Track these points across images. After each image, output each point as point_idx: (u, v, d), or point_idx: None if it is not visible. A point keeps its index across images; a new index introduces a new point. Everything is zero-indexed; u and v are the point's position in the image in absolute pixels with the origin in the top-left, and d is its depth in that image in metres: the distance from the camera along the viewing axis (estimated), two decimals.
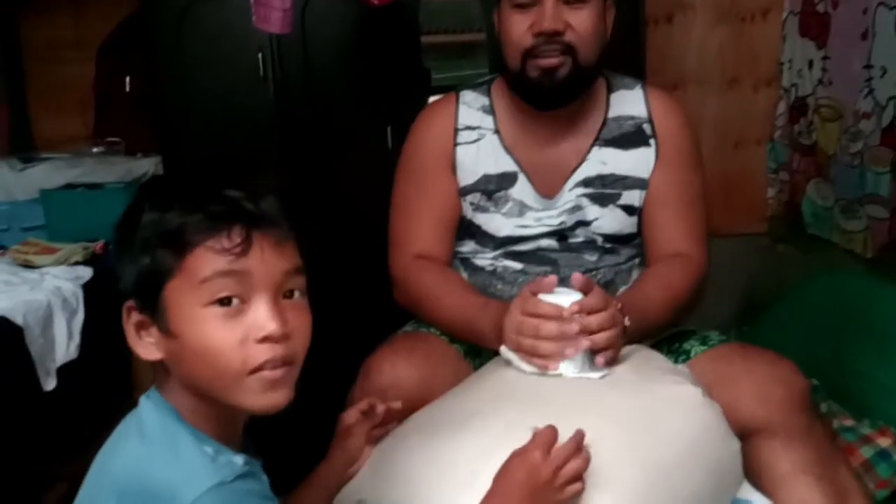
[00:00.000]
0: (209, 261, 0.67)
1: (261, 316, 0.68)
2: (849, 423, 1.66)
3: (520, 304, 1.05)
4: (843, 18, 1.92)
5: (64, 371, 1.67)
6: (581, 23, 1.15)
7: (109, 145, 2.25)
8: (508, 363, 1.07)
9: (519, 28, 1.17)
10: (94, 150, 2.24)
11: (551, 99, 1.21)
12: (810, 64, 2.07)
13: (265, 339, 0.68)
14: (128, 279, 0.70)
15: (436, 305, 1.21)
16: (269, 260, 0.68)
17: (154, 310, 0.70)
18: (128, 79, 2.28)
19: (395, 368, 1.11)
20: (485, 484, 0.85)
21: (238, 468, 0.69)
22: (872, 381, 1.72)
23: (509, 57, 1.20)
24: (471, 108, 1.29)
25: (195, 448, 0.69)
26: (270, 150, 2.05)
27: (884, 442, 1.57)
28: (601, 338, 1.02)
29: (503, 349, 1.07)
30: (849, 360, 1.79)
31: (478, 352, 1.22)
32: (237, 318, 0.68)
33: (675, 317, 1.23)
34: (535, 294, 1.05)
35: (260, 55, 2.00)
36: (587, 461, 0.84)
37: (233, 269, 0.67)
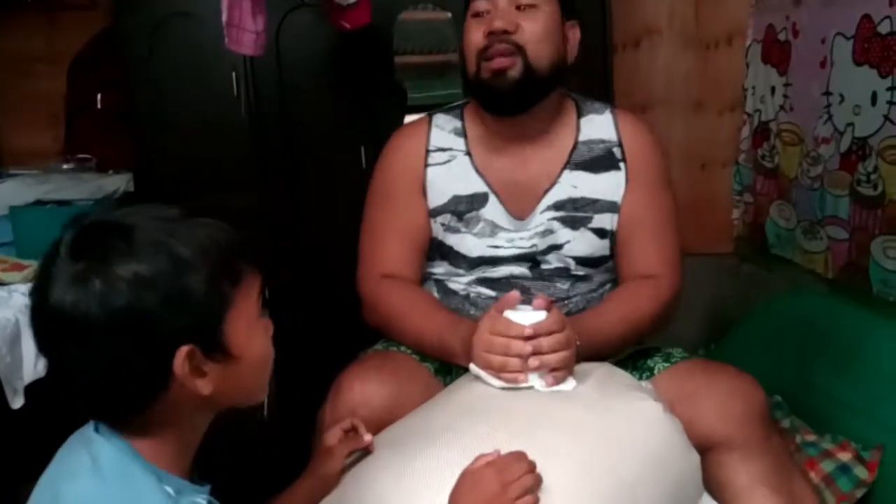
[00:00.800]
0: (256, 278, 0.74)
1: (266, 320, 0.76)
2: (811, 438, 1.69)
3: (488, 323, 1.07)
4: (803, 47, 1.99)
5: (31, 389, 1.65)
6: (531, 26, 1.21)
7: (80, 161, 2.23)
8: (478, 379, 1.08)
9: (475, 33, 1.22)
10: (65, 166, 2.22)
11: (504, 102, 1.23)
12: (773, 90, 2.13)
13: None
14: (174, 328, 0.67)
15: (405, 323, 1.23)
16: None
17: (212, 344, 0.70)
18: (99, 95, 2.27)
19: (364, 386, 1.12)
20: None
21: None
22: (833, 398, 1.77)
23: (467, 62, 1.25)
24: (443, 130, 1.31)
25: (155, 490, 0.68)
26: (244, 168, 2.06)
27: (844, 456, 1.61)
28: (551, 359, 1.05)
29: (472, 367, 1.09)
30: (811, 377, 1.84)
31: (448, 369, 1.23)
32: (266, 325, 0.76)
33: (634, 338, 1.26)
34: (500, 311, 1.07)
35: (234, 73, 2.01)
36: (537, 477, 0.86)
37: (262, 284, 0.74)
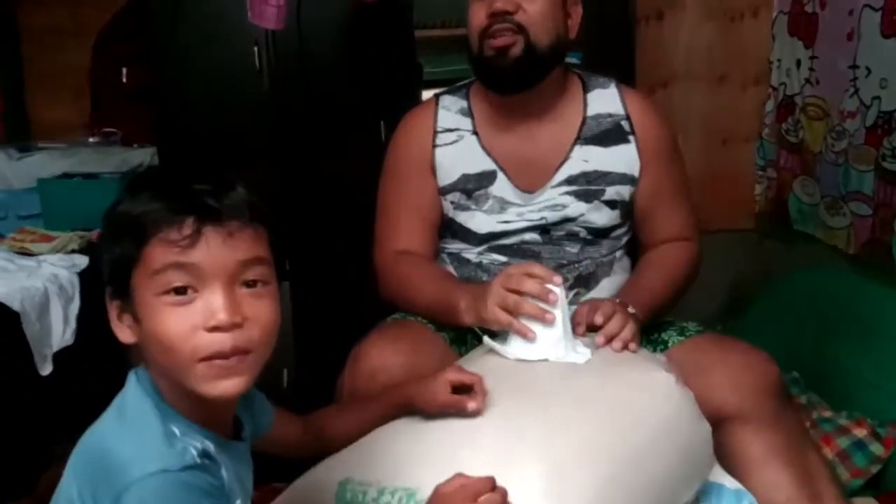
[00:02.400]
0: (162, 252, 0.70)
1: (211, 305, 0.70)
2: (827, 414, 1.70)
3: (502, 280, 1.09)
4: (830, 19, 1.95)
5: (60, 357, 1.70)
6: (532, 5, 1.22)
7: (106, 136, 2.28)
8: (492, 351, 1.10)
9: (478, 13, 1.24)
10: (91, 139, 2.27)
11: (507, 79, 1.25)
12: (798, 63, 2.10)
13: (214, 329, 0.70)
14: (105, 267, 0.74)
15: (413, 292, 1.26)
16: (218, 252, 0.70)
17: (125, 297, 0.73)
18: (124, 69, 2.30)
19: (382, 354, 1.14)
20: (465, 461, 0.88)
21: (190, 458, 0.70)
22: (851, 374, 1.76)
23: (470, 42, 1.27)
24: (449, 111, 1.34)
25: (159, 429, 0.71)
26: (265, 142, 2.08)
27: (860, 433, 1.62)
28: (627, 333, 1.11)
29: (486, 339, 1.11)
30: (829, 353, 1.83)
31: (463, 339, 1.25)
32: (189, 307, 0.70)
33: (678, 297, 1.31)
34: (531, 275, 1.08)
35: (255, 48, 2.02)
36: (504, 495, 0.87)
37: (181, 262, 0.69)
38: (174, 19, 2.03)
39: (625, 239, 1.36)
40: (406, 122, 1.38)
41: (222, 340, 0.69)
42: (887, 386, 1.67)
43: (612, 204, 1.30)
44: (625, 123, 1.32)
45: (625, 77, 1.44)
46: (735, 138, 2.36)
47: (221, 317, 0.69)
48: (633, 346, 1.11)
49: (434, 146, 1.32)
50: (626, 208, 1.32)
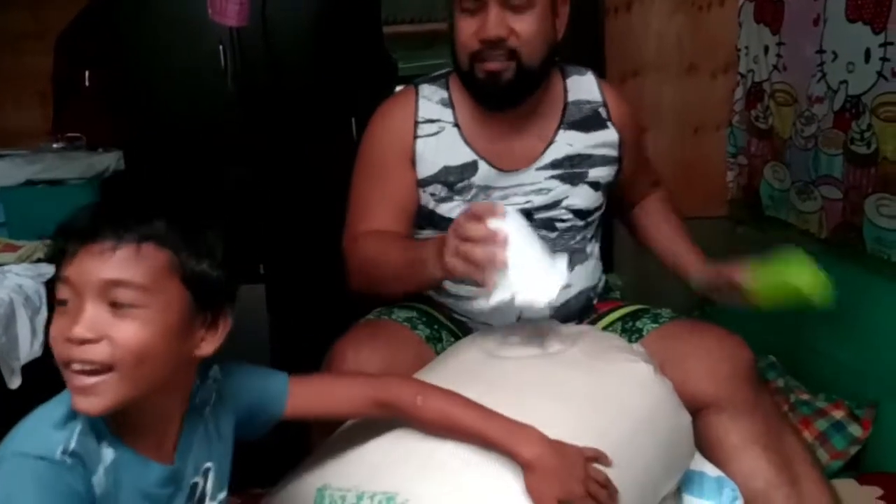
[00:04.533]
0: (66, 266, 0.74)
1: (73, 318, 0.73)
2: (805, 397, 1.71)
3: (453, 229, 1.00)
4: (795, 4, 1.96)
5: (29, 369, 1.66)
6: (525, 28, 1.18)
7: (70, 141, 2.22)
8: (468, 348, 1.09)
9: (466, 31, 1.20)
10: (55, 145, 2.21)
11: (498, 100, 1.24)
12: (766, 50, 2.11)
13: (68, 340, 0.72)
14: None
15: (382, 264, 1.20)
16: (87, 269, 0.73)
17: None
18: (87, 72, 2.25)
19: (358, 354, 1.13)
20: (444, 461, 0.87)
21: (49, 450, 0.71)
22: (827, 357, 1.78)
23: (458, 57, 1.24)
24: (430, 101, 1.30)
25: (58, 415, 0.74)
26: (233, 142, 2.05)
27: (838, 414, 1.63)
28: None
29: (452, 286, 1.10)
30: (806, 337, 1.85)
31: (439, 337, 1.24)
32: (63, 317, 0.74)
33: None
34: (476, 218, 0.99)
35: (220, 47, 1.99)
36: (614, 490, 0.89)
37: (61, 275, 0.74)
38: (136, 20, 2.00)
39: (598, 222, 1.37)
40: (384, 111, 1.33)
41: (73, 352, 0.72)
42: (863, 368, 1.69)
43: (595, 185, 1.32)
44: (602, 110, 1.33)
45: (595, 68, 1.43)
46: (706, 126, 2.37)
47: (74, 330, 0.72)
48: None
49: (415, 137, 1.28)
50: (608, 188, 1.35)
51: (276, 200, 2.07)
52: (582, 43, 2.10)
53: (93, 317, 0.72)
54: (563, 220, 1.30)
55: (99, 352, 0.72)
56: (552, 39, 1.24)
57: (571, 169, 1.29)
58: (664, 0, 2.31)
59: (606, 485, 0.89)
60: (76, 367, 0.72)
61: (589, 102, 1.33)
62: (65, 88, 2.32)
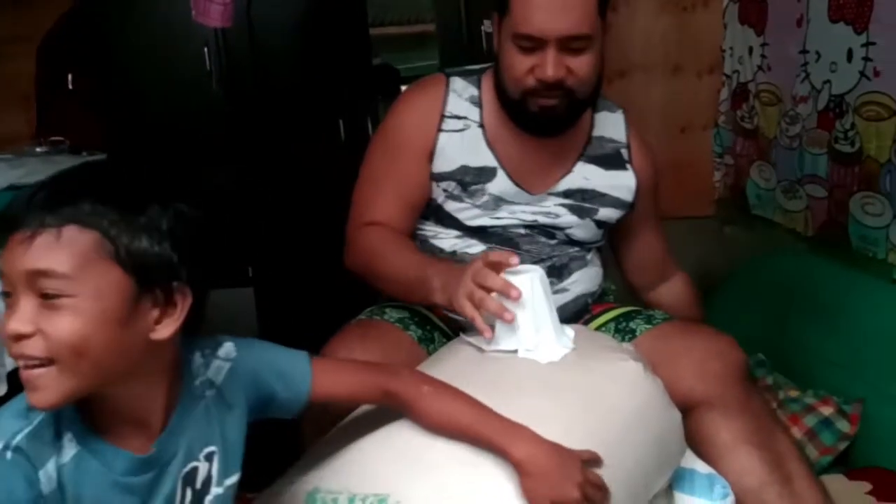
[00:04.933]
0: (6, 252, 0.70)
1: (10, 311, 0.70)
2: (794, 394, 1.72)
3: (472, 273, 1.04)
4: (779, 5, 1.98)
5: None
6: (581, 67, 1.17)
7: (53, 144, 2.20)
8: (462, 346, 1.09)
9: (520, 67, 1.18)
10: (38, 149, 2.19)
11: (546, 129, 1.25)
12: (750, 50, 2.13)
13: (7, 336, 0.69)
14: None
15: (386, 264, 1.21)
16: (13, 260, 0.69)
17: None
18: (70, 75, 2.23)
19: (350, 354, 1.12)
20: (435, 462, 0.87)
21: (3, 441, 0.70)
22: (815, 354, 1.79)
23: (508, 88, 1.22)
24: (460, 97, 1.29)
25: (18, 407, 0.72)
26: (219, 144, 2.04)
27: (826, 411, 1.64)
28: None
29: (462, 335, 1.10)
30: (793, 334, 1.86)
31: (431, 338, 1.23)
32: (7, 311, 0.70)
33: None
34: (492, 266, 1.03)
35: (205, 49, 1.97)
36: (608, 493, 0.89)
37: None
38: (120, 22, 1.98)
39: (600, 242, 1.38)
40: (412, 97, 1.32)
41: (13, 348, 0.69)
42: (850, 364, 1.70)
43: (599, 224, 1.32)
44: (624, 151, 1.34)
45: None
46: (693, 127, 2.39)
47: (9, 325, 0.68)
48: None
49: (439, 130, 1.26)
50: (610, 228, 1.36)
51: (264, 203, 2.06)
52: None
53: (25, 310, 0.68)
54: (558, 239, 1.31)
55: (34, 346, 0.68)
56: (601, 68, 1.23)
57: (582, 202, 1.30)
58: (650, 1, 2.33)
59: (602, 487, 0.88)
60: (20, 362, 0.69)
61: (613, 141, 1.33)
62: (48, 91, 2.29)
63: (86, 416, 0.74)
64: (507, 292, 1.00)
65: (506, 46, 1.19)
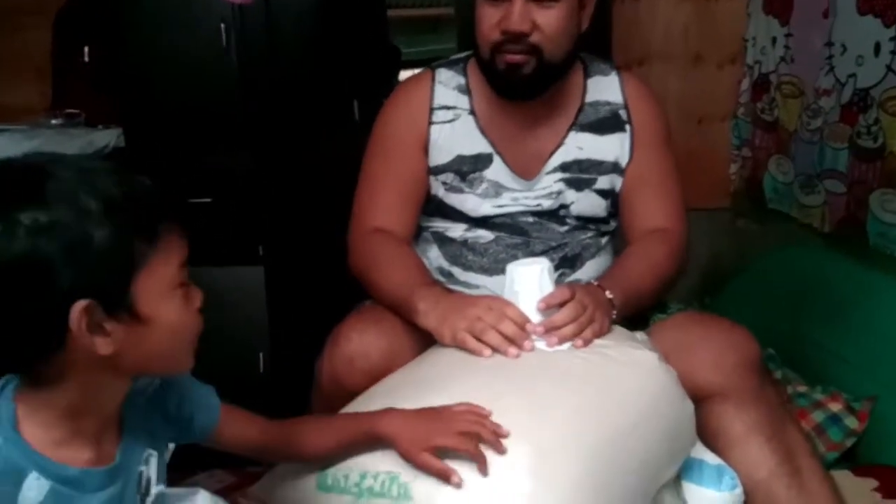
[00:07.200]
0: (177, 243, 0.71)
1: (193, 290, 0.75)
2: (802, 389, 1.71)
3: (486, 305, 1.06)
4: None
5: None
6: (549, 23, 1.15)
7: (69, 117, 2.20)
8: None
9: (489, 21, 1.17)
10: (53, 121, 2.19)
11: (517, 91, 1.22)
12: (773, 41, 2.10)
13: (199, 310, 0.75)
14: (73, 280, 0.65)
15: (381, 278, 1.21)
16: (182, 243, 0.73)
17: (119, 303, 0.68)
18: (86, 48, 2.22)
19: (362, 337, 1.12)
20: None
21: None
22: (826, 350, 1.78)
23: (480, 46, 1.21)
24: (447, 87, 1.28)
25: None
26: (234, 122, 2.02)
27: (835, 407, 1.63)
28: (567, 331, 1.04)
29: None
30: (804, 330, 1.85)
31: None
32: (188, 295, 0.74)
33: (662, 289, 1.25)
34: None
35: (222, 24, 1.96)
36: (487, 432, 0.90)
37: (185, 254, 0.72)
38: None
39: (613, 225, 1.34)
40: (400, 95, 1.32)
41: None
42: (861, 361, 1.70)
43: (603, 193, 1.29)
44: (622, 112, 1.29)
45: (600, 56, 1.41)
46: (711, 117, 2.36)
47: (201, 298, 0.76)
48: (586, 336, 1.04)
49: (430, 123, 1.26)
50: (616, 199, 1.30)
51: (276, 182, 2.05)
52: (589, 31, 2.08)
53: None
54: (568, 224, 1.29)
55: None
56: (577, 33, 1.20)
57: (579, 174, 1.27)
58: None
59: (479, 433, 0.88)
60: None
61: (609, 104, 1.29)
62: (64, 65, 2.29)
63: (36, 442, 0.69)
64: (521, 344, 1.03)
65: (478, 4, 1.19)
